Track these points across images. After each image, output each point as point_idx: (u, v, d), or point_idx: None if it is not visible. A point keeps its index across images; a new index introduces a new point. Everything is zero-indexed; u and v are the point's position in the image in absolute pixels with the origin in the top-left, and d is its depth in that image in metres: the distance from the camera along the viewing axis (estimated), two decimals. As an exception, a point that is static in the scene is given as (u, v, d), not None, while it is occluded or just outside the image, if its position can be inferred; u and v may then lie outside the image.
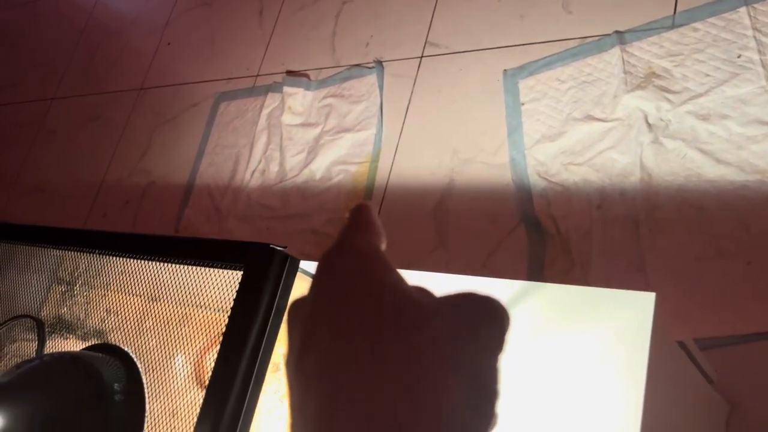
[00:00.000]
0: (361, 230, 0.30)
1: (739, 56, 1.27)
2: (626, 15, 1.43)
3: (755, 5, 1.28)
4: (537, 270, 1.31)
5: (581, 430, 0.65)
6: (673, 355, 0.78)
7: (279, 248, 0.50)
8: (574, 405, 0.67)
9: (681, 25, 1.35)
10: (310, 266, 0.72)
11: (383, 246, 0.32)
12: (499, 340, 0.28)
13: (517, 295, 0.76)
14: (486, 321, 0.28)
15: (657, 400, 0.68)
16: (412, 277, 0.83)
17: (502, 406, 0.27)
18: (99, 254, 0.70)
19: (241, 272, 0.52)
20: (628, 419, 0.63)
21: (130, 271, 0.93)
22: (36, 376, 0.44)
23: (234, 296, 0.54)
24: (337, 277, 0.27)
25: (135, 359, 0.57)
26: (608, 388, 0.66)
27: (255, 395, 0.49)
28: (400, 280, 0.29)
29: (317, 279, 0.28)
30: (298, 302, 0.29)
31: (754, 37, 1.26)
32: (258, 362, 0.51)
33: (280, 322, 0.54)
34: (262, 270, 0.50)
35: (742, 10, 1.29)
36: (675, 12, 1.37)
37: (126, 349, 0.59)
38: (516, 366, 0.72)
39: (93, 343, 0.83)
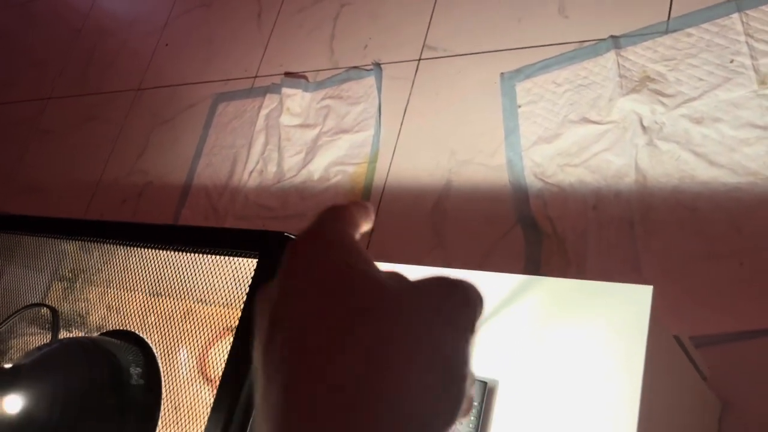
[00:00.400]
0: (336, 219, 0.30)
1: (731, 61, 1.30)
2: (621, 20, 1.46)
3: (747, 11, 1.31)
4: (533, 270, 1.33)
5: (580, 421, 0.67)
6: (670, 349, 0.80)
7: (293, 237, 0.51)
8: (572, 396, 0.68)
9: (675, 31, 1.38)
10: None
11: (357, 235, 0.31)
12: (471, 324, 0.28)
13: (517, 288, 0.78)
14: (458, 305, 0.28)
15: (654, 392, 0.69)
16: (411, 272, 0.84)
17: (470, 387, 0.27)
18: (107, 244, 0.71)
19: (255, 261, 0.53)
20: (625, 411, 0.65)
21: (132, 267, 0.94)
22: (56, 358, 0.45)
23: (242, 287, 0.56)
24: (305, 262, 0.27)
25: (151, 345, 0.58)
26: (606, 380, 0.67)
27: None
28: (370, 265, 0.28)
29: (285, 264, 0.27)
30: (267, 287, 0.28)
31: (747, 42, 1.29)
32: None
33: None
34: (277, 258, 0.51)
35: (735, 16, 1.32)
36: (669, 17, 1.40)
37: (142, 335, 0.60)
38: (515, 358, 0.73)
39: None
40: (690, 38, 1.36)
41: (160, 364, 0.56)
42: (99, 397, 0.47)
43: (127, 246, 0.66)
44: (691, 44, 1.35)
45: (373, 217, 0.33)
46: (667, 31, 1.39)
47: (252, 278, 0.52)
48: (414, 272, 0.86)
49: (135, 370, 0.51)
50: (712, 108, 1.28)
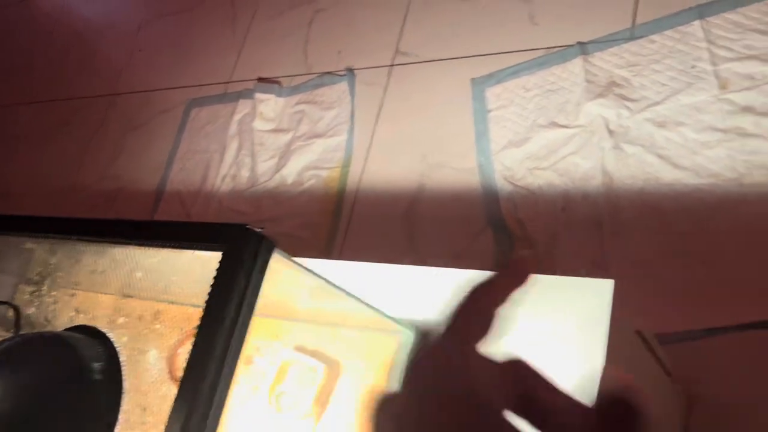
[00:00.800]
0: (470, 325, 0.28)
1: (693, 67, 1.33)
2: (588, 27, 1.49)
3: (708, 19, 1.36)
4: (504, 270, 1.35)
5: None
6: (631, 343, 0.81)
7: (257, 229, 0.52)
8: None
9: (639, 37, 1.42)
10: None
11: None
12: None
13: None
14: None
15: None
16: (388, 271, 0.84)
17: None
18: (67, 240, 0.71)
19: (219, 254, 0.54)
20: (586, 399, 0.66)
21: (101, 269, 0.93)
22: (16, 352, 0.45)
23: (208, 282, 0.56)
24: (430, 381, 0.25)
25: (113, 340, 0.58)
26: (569, 372, 0.69)
27: (231, 370, 0.50)
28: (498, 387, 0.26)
29: (408, 377, 0.26)
30: (387, 397, 0.26)
31: (708, 48, 1.33)
32: (232, 343, 0.52)
33: (255, 303, 0.55)
34: (240, 250, 0.52)
35: (696, 23, 1.37)
36: (634, 24, 1.44)
37: (104, 330, 0.60)
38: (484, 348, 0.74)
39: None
40: (653, 44, 1.40)
41: (121, 359, 0.56)
42: (60, 391, 0.46)
43: (86, 242, 0.65)
44: (655, 50, 1.39)
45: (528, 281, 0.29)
46: (631, 38, 1.43)
47: (216, 270, 0.52)
48: (389, 271, 0.86)
49: (96, 365, 0.50)
50: (675, 112, 1.31)
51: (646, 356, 0.89)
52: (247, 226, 0.52)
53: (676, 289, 1.19)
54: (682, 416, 1.12)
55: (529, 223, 1.38)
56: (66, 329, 0.59)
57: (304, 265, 0.65)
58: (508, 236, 1.40)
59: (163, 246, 0.55)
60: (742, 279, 1.15)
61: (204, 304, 0.53)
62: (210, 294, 0.52)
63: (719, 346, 1.14)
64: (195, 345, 0.53)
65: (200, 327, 0.51)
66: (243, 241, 0.52)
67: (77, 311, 0.94)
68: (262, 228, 0.54)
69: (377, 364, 0.78)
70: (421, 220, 1.54)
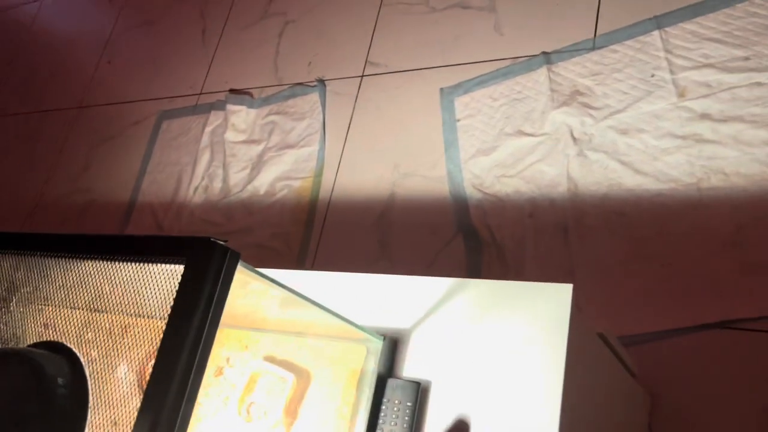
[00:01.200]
0: None
1: (652, 75, 1.38)
2: (552, 37, 1.53)
3: (667, 29, 1.40)
4: (474, 276, 1.37)
5: (508, 417, 0.70)
6: (593, 345, 0.84)
7: (220, 242, 0.53)
8: (500, 394, 0.71)
9: (601, 47, 1.46)
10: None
11: None
12: None
13: (446, 292, 0.81)
14: None
15: (577, 387, 0.73)
16: (359, 280, 0.86)
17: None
18: (32, 256, 0.71)
19: (182, 267, 0.54)
20: (549, 405, 0.68)
21: (69, 284, 0.93)
22: (-22, 368, 0.45)
23: (175, 294, 0.56)
24: None
25: (78, 354, 0.58)
26: (532, 376, 0.71)
27: (197, 383, 0.51)
28: None
29: None
30: None
31: (666, 58, 1.37)
32: (198, 356, 0.53)
33: (220, 315, 0.56)
34: (203, 263, 0.53)
35: (655, 33, 1.41)
36: (596, 35, 1.48)
37: (69, 345, 0.60)
38: (446, 359, 0.76)
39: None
40: (615, 54, 1.44)
41: (87, 374, 0.56)
42: (22, 407, 0.47)
43: (48, 257, 0.66)
44: (616, 60, 1.43)
45: None
46: (594, 48, 1.47)
47: (179, 284, 0.53)
48: (359, 280, 0.88)
49: (60, 380, 0.51)
50: (636, 119, 1.35)
51: (609, 358, 0.92)
52: (211, 239, 0.53)
53: (639, 292, 1.23)
54: (647, 415, 1.15)
55: (497, 230, 1.40)
56: (30, 345, 0.60)
57: (271, 276, 0.67)
58: (478, 242, 1.42)
59: (127, 260, 0.56)
60: (701, 280, 1.19)
61: (167, 319, 0.54)
62: (173, 307, 0.53)
63: (682, 346, 1.18)
64: (158, 359, 0.54)
65: (163, 341, 0.52)
66: (207, 254, 0.53)
67: (46, 326, 0.94)
68: (225, 240, 0.55)
69: (346, 373, 0.79)
70: (393, 228, 1.56)
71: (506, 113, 1.51)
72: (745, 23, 1.32)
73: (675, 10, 1.41)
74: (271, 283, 0.65)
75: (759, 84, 1.27)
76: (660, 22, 1.42)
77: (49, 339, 0.84)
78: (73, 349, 0.57)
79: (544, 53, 1.51)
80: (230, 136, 1.89)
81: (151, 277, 0.78)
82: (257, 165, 1.81)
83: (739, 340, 1.14)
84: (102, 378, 0.77)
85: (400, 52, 1.75)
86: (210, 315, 0.55)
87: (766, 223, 1.17)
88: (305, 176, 1.73)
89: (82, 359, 0.58)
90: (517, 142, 1.46)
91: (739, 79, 1.28)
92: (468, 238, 1.44)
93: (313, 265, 1.61)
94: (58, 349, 0.57)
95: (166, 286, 0.68)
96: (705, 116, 1.29)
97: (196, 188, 1.89)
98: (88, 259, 0.63)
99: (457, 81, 1.62)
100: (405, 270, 1.49)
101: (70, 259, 0.68)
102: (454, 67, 1.65)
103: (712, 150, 1.26)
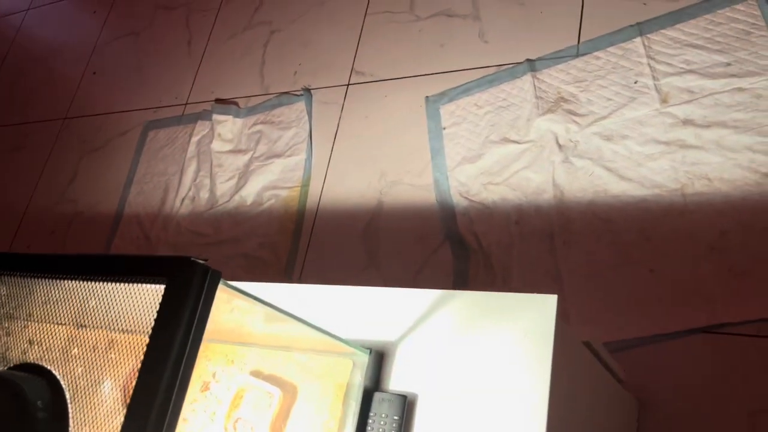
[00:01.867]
0: None
1: (635, 82, 1.39)
2: (536, 44, 1.54)
3: (649, 35, 1.41)
4: (461, 284, 1.38)
5: (495, 429, 0.70)
6: (579, 355, 0.84)
7: (200, 261, 0.52)
8: (487, 406, 0.71)
9: (585, 54, 1.47)
10: (243, 288, 0.74)
11: None
12: None
13: (431, 305, 0.81)
14: None
15: (563, 397, 0.73)
16: (345, 293, 0.85)
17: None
18: (12, 276, 0.70)
19: (163, 287, 0.54)
20: (536, 416, 0.68)
21: (54, 299, 0.92)
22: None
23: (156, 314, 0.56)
24: None
25: (58, 377, 0.58)
26: (518, 388, 0.71)
27: (179, 401, 0.51)
28: None
29: None
30: None
31: (649, 64, 1.39)
32: (180, 375, 0.53)
33: (202, 335, 0.56)
34: (183, 283, 0.52)
35: (638, 40, 1.42)
36: (579, 41, 1.49)
37: (49, 367, 0.60)
38: (432, 372, 0.76)
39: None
40: (598, 61, 1.45)
41: (67, 396, 0.56)
42: (0, 429, 0.46)
43: (35, 279, 0.65)
44: (600, 66, 1.44)
45: None
46: (577, 55, 1.48)
47: (159, 305, 0.53)
48: (345, 293, 0.87)
49: (40, 403, 0.50)
50: (620, 126, 1.36)
51: (596, 366, 0.92)
52: (192, 258, 0.53)
53: (625, 297, 1.23)
54: (635, 420, 1.15)
55: (484, 237, 1.41)
56: (10, 368, 0.59)
57: (254, 293, 0.66)
58: (465, 250, 1.42)
59: (107, 280, 0.56)
60: (687, 286, 1.20)
61: (148, 339, 0.54)
62: (154, 328, 0.52)
63: (669, 351, 1.19)
64: (139, 379, 0.54)
65: (144, 361, 0.51)
66: (187, 274, 0.53)
67: (31, 343, 0.93)
68: (206, 259, 0.55)
69: (333, 387, 0.79)
70: (380, 237, 1.56)
71: (491, 121, 1.51)
72: (726, 29, 1.33)
73: (657, 17, 1.42)
74: (253, 300, 0.64)
75: (740, 89, 1.28)
76: (642, 28, 1.43)
77: (34, 355, 0.83)
78: (54, 372, 0.57)
79: (528, 60, 1.52)
80: (217, 146, 1.89)
81: (135, 293, 0.77)
82: (244, 175, 1.81)
83: (725, 344, 1.15)
84: (86, 395, 0.77)
85: (386, 60, 1.76)
86: (191, 335, 0.54)
87: (749, 228, 1.18)
88: (292, 185, 1.72)
89: (62, 381, 0.58)
90: (503, 149, 1.46)
91: (721, 85, 1.30)
92: (455, 246, 1.44)
93: (301, 275, 1.60)
94: (38, 371, 0.56)
95: (151, 302, 0.67)
96: (688, 122, 1.30)
97: (183, 199, 1.88)
98: (68, 279, 0.62)
99: (443, 89, 1.62)
100: (393, 278, 1.50)
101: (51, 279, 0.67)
102: (439, 75, 1.65)
103: (696, 155, 1.27)
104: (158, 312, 0.53)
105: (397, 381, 0.79)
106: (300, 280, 1.59)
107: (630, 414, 1.14)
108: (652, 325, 1.20)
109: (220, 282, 0.57)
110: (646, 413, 1.16)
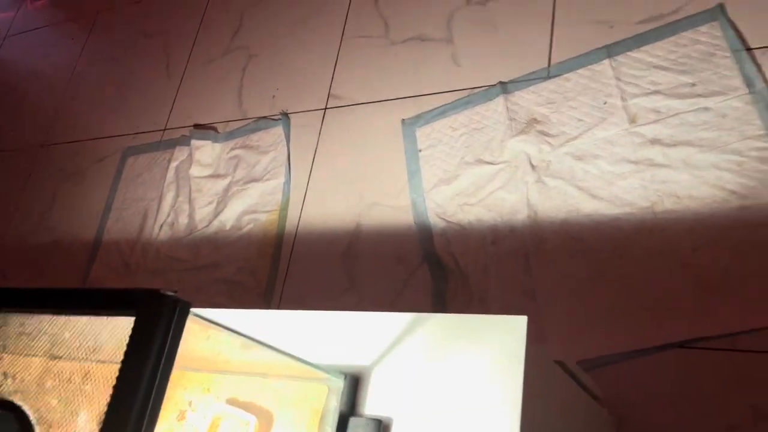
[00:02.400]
0: None
1: (605, 102, 1.42)
2: (508, 67, 1.57)
3: (617, 57, 1.45)
4: (440, 304, 1.39)
5: (468, 448, 0.71)
6: (551, 374, 0.85)
7: (169, 293, 0.53)
8: (461, 429, 0.72)
9: (555, 76, 1.50)
10: (219, 315, 0.75)
11: None
12: None
13: (404, 328, 0.82)
14: None
15: (536, 417, 0.74)
16: (320, 318, 0.86)
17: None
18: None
19: (133, 319, 0.55)
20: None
21: (27, 332, 0.92)
22: None
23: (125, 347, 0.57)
24: None
25: (28, 413, 0.58)
26: (491, 410, 0.72)
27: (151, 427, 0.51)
28: None
29: None
30: None
31: (617, 86, 1.42)
32: (150, 406, 0.53)
33: (171, 367, 0.56)
34: (152, 316, 0.53)
35: (606, 62, 1.46)
36: (549, 64, 1.53)
37: (18, 403, 0.60)
38: (405, 396, 0.77)
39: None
40: (568, 82, 1.48)
41: (38, 429, 0.56)
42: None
43: (1, 311, 0.65)
44: (570, 88, 1.47)
45: None
46: (548, 77, 1.51)
47: (129, 337, 0.53)
48: (322, 318, 0.88)
49: (9, 439, 0.50)
50: (591, 145, 1.39)
51: (570, 384, 0.93)
52: (161, 291, 0.54)
53: (600, 314, 1.25)
54: (613, 438, 1.16)
55: (461, 257, 1.42)
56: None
57: (225, 322, 0.67)
58: (443, 270, 1.44)
59: (78, 314, 0.56)
60: (661, 302, 1.22)
61: (118, 372, 0.54)
62: (123, 361, 0.53)
63: (645, 367, 1.20)
64: (108, 412, 0.54)
65: (114, 395, 0.52)
66: (156, 307, 0.54)
67: (5, 375, 0.92)
68: (175, 291, 0.55)
69: (308, 413, 0.79)
70: (360, 259, 1.57)
71: (466, 142, 1.54)
72: (690, 50, 1.38)
73: (624, 39, 1.46)
74: (224, 330, 0.65)
75: (706, 109, 1.32)
76: (610, 50, 1.47)
77: (8, 387, 0.83)
78: (24, 407, 0.57)
79: (501, 83, 1.55)
80: (195, 171, 1.89)
81: (110, 324, 0.77)
82: (223, 199, 1.81)
83: (701, 359, 1.17)
84: (62, 427, 0.76)
85: (362, 84, 1.78)
86: (161, 366, 0.55)
87: (719, 244, 1.21)
88: (271, 209, 1.73)
89: (32, 417, 0.58)
90: (478, 170, 1.48)
91: (687, 105, 1.33)
92: (433, 267, 1.45)
93: (281, 298, 1.61)
94: (9, 407, 0.56)
95: (126, 332, 0.68)
96: (655, 141, 1.33)
97: (162, 224, 1.88)
98: (39, 314, 0.62)
99: (418, 111, 1.65)
100: (373, 300, 1.50)
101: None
102: (414, 98, 1.68)
103: (665, 174, 1.30)
104: (128, 345, 0.54)
105: (372, 405, 0.79)
106: (280, 304, 1.59)
107: (608, 431, 1.15)
108: (628, 342, 1.21)
109: (191, 313, 0.57)
110: (623, 429, 1.17)
